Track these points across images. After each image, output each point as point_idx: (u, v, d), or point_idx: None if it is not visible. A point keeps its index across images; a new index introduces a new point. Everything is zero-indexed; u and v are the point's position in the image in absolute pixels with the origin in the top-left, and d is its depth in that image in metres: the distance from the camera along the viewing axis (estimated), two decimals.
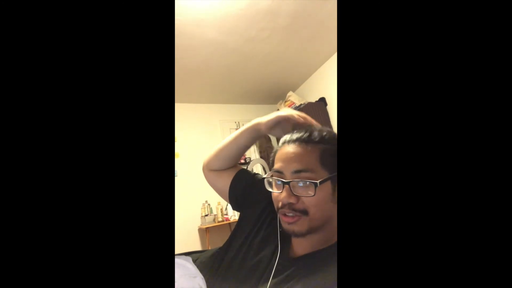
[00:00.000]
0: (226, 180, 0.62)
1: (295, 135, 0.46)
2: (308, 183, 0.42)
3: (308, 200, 0.42)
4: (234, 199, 0.62)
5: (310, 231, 0.44)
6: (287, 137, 0.47)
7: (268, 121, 0.54)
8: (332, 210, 0.44)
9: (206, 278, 0.51)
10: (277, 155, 0.47)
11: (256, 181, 0.61)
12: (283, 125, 0.54)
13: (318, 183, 0.41)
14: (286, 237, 0.50)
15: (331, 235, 0.45)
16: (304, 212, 0.42)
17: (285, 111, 0.54)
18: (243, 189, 0.60)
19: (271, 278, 0.45)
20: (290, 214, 0.43)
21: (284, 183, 0.43)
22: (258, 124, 0.56)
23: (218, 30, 1.99)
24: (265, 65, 2.58)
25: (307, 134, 0.45)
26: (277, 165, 0.46)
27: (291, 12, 1.92)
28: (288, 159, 0.44)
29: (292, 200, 0.43)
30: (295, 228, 0.43)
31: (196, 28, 1.92)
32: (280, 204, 0.44)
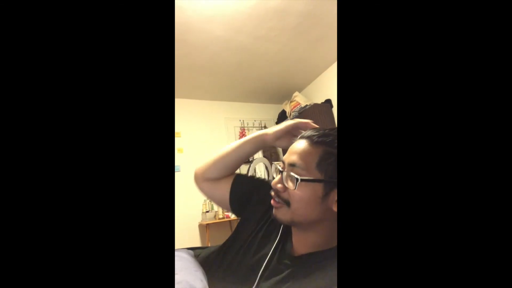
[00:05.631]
0: (224, 188, 0.61)
1: (309, 133, 0.48)
2: (292, 176, 0.44)
3: (292, 193, 0.45)
4: (236, 205, 0.61)
5: (294, 223, 0.47)
6: (304, 133, 0.50)
7: (277, 131, 0.57)
8: (323, 213, 0.44)
9: (207, 274, 0.51)
10: (290, 147, 0.50)
11: (256, 184, 0.61)
12: (291, 133, 0.57)
13: (300, 179, 0.43)
14: (287, 235, 0.50)
15: (330, 238, 0.46)
16: (287, 203, 0.45)
17: (292, 121, 0.57)
18: (245, 194, 0.60)
19: (270, 276, 0.45)
20: (276, 199, 0.47)
21: (280, 171, 0.48)
22: (264, 135, 0.59)
23: (227, 28, 1.99)
24: (272, 64, 2.58)
25: (317, 134, 0.47)
26: (284, 156, 0.49)
27: (300, 12, 1.92)
28: (291, 152, 0.47)
29: (279, 188, 0.47)
30: (278, 214, 0.47)
31: (205, 25, 1.92)
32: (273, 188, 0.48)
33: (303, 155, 0.45)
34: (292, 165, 0.45)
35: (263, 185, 0.60)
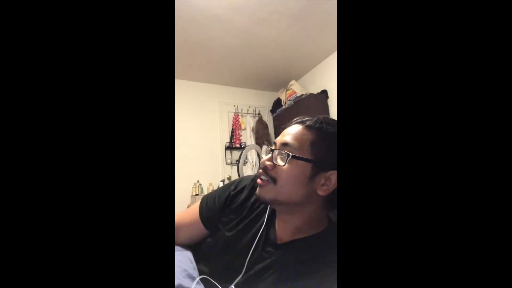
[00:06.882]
0: (194, 224, 0.56)
1: (305, 119, 0.49)
2: (284, 153, 0.45)
3: (280, 170, 0.45)
4: (214, 224, 0.55)
5: (277, 203, 0.47)
6: (297, 119, 0.50)
7: None
8: (307, 196, 0.45)
9: (198, 256, 0.50)
10: (284, 130, 0.51)
11: (227, 197, 0.56)
12: None
13: (291, 155, 0.44)
14: (271, 224, 0.50)
15: (312, 222, 0.47)
16: (273, 180, 0.45)
17: None
18: (219, 212, 0.55)
19: (255, 264, 0.45)
20: (263, 177, 0.47)
21: (272, 150, 0.48)
22: None
23: (227, 7, 1.91)
24: (271, 49, 2.52)
25: (311, 120, 0.48)
26: (277, 138, 0.50)
27: None
28: (285, 134, 0.48)
29: (268, 165, 0.47)
30: (262, 192, 0.47)
31: (203, 2, 1.84)
32: (261, 166, 0.49)
33: (297, 136, 0.46)
34: (284, 144, 0.46)
35: (232, 196, 0.57)
